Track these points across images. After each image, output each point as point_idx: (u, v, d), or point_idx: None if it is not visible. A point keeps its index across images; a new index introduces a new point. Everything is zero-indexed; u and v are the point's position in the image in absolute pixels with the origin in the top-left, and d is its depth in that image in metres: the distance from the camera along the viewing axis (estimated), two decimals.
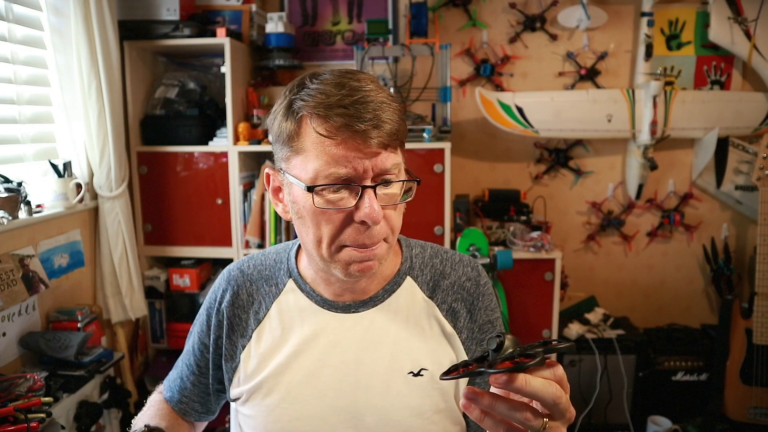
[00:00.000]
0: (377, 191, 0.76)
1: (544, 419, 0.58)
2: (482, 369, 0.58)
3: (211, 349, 0.96)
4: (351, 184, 0.76)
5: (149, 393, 2.32)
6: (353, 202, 0.76)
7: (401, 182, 0.80)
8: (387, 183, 0.78)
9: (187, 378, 1.00)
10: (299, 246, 0.95)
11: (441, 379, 0.61)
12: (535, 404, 0.59)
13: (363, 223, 0.77)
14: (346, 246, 0.79)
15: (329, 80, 0.77)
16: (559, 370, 0.59)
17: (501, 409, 0.57)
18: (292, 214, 0.84)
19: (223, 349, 0.94)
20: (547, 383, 0.57)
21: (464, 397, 0.59)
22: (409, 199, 0.83)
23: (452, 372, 0.61)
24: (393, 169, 0.78)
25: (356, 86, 0.75)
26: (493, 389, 0.60)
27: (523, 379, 0.56)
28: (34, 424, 1.37)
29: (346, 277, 0.82)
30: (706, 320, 2.75)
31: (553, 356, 2.45)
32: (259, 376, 0.90)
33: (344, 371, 0.87)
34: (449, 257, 0.96)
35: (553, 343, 0.59)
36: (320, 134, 0.75)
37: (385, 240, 0.81)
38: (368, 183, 0.76)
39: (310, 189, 0.76)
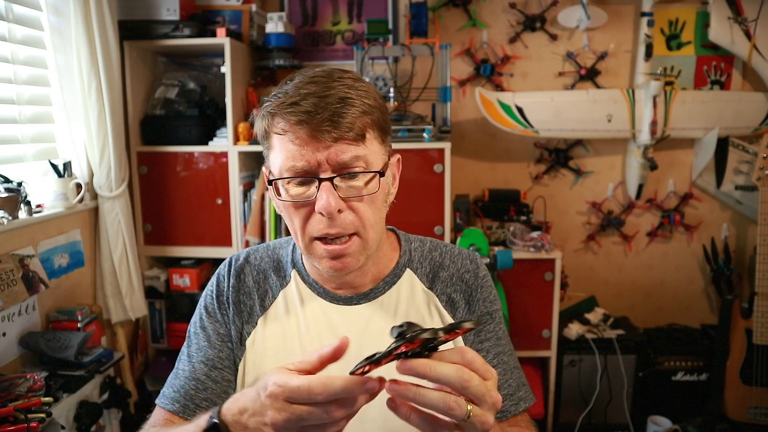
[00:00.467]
0: (337, 182, 0.79)
1: (468, 407, 0.56)
2: (378, 356, 0.56)
3: (231, 335, 0.93)
4: (309, 177, 0.79)
5: (149, 393, 2.29)
6: (313, 195, 0.80)
7: (365, 174, 0.81)
8: (351, 175, 0.80)
9: (206, 376, 0.90)
10: None
11: (350, 374, 0.59)
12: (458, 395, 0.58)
13: (323, 214, 0.79)
14: (315, 239, 0.82)
15: (298, 80, 0.81)
16: (469, 354, 0.58)
17: (422, 399, 0.56)
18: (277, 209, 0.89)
19: (233, 334, 0.94)
20: (453, 367, 0.56)
21: (388, 392, 0.57)
22: (375, 192, 0.83)
23: (359, 368, 0.59)
24: (353, 161, 0.79)
25: (321, 81, 0.79)
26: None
27: (426, 365, 0.55)
28: (34, 424, 1.38)
29: (326, 273, 0.86)
30: (706, 320, 2.75)
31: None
32: (263, 366, 0.90)
33: (347, 363, 0.88)
34: (449, 250, 0.99)
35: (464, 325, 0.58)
36: (278, 133, 0.80)
37: (357, 235, 0.82)
38: (326, 175, 0.79)
39: (270, 183, 0.83)
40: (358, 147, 0.80)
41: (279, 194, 0.83)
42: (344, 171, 0.79)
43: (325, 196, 0.78)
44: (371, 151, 0.82)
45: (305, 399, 0.58)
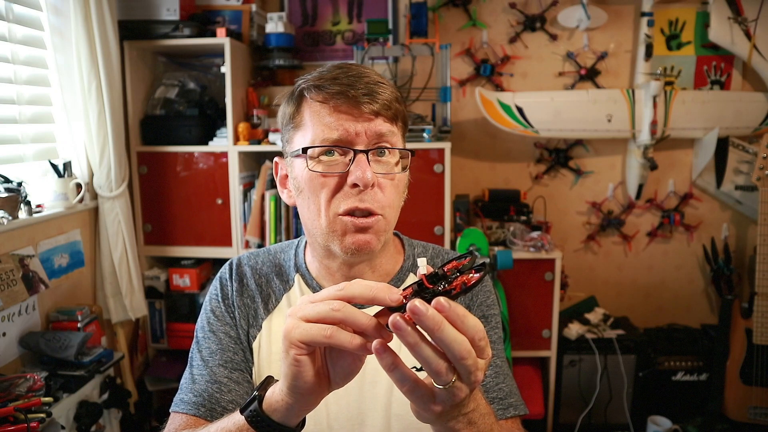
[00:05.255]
0: (370, 157, 0.80)
1: (453, 376, 0.53)
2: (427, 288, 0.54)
3: (241, 338, 0.93)
4: (344, 147, 0.80)
5: (149, 393, 2.27)
6: (346, 167, 0.79)
7: (395, 153, 0.83)
8: (381, 153, 0.82)
9: (228, 378, 0.88)
10: (306, 241, 0.97)
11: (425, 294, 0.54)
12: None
13: (355, 186, 0.79)
14: (340, 215, 0.81)
15: (330, 65, 0.84)
16: (480, 329, 0.53)
17: (420, 350, 0.52)
18: (294, 193, 0.87)
19: (242, 336, 0.93)
20: (460, 337, 0.51)
21: (391, 325, 0.52)
22: (405, 172, 0.85)
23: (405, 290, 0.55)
24: (388, 138, 0.81)
25: (354, 67, 0.83)
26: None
27: (439, 322, 0.51)
28: (34, 424, 1.38)
29: (344, 253, 0.82)
30: (706, 320, 2.75)
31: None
32: (268, 370, 0.90)
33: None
34: (450, 258, 0.98)
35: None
36: (317, 101, 0.81)
37: (382, 215, 0.82)
38: (361, 147, 0.79)
39: (305, 150, 0.80)
40: (392, 127, 0.82)
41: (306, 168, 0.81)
42: (378, 145, 0.81)
43: (360, 168, 0.78)
44: (399, 136, 0.85)
45: (324, 311, 0.56)
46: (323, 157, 0.80)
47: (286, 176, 0.90)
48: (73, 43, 1.94)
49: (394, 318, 0.52)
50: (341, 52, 2.67)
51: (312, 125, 0.81)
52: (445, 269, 0.59)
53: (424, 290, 0.55)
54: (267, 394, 0.64)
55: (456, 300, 0.54)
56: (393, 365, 0.54)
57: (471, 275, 0.55)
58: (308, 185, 0.82)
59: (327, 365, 0.61)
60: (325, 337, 0.55)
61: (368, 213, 0.80)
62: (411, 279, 0.95)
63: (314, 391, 0.60)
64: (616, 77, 2.62)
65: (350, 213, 0.80)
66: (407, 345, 0.52)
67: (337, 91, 0.79)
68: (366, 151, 0.79)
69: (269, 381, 0.67)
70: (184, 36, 2.20)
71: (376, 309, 0.57)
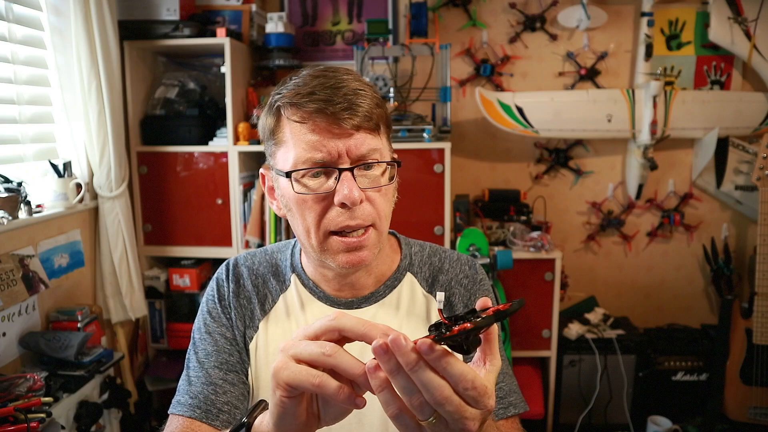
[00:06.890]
0: (356, 173, 0.78)
1: (432, 414, 0.52)
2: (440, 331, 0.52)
3: (237, 339, 0.93)
4: (328, 167, 0.78)
5: (149, 393, 2.28)
6: (333, 186, 0.78)
7: (381, 164, 0.82)
8: (367, 166, 0.80)
9: (223, 380, 0.87)
10: None
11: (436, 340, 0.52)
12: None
13: (343, 205, 0.78)
14: (333, 234, 0.81)
15: (306, 74, 0.80)
16: (470, 374, 0.51)
17: (400, 380, 0.52)
18: (283, 208, 0.86)
19: (238, 338, 0.93)
20: (437, 382, 0.50)
21: (373, 350, 0.51)
22: (392, 184, 0.84)
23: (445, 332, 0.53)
24: (372, 153, 0.79)
25: (331, 75, 0.79)
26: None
27: (412, 361, 0.50)
28: (34, 424, 1.38)
29: (340, 269, 0.83)
30: (706, 320, 2.75)
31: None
32: (265, 372, 0.90)
33: None
34: (447, 256, 0.99)
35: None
36: (295, 121, 0.78)
37: (374, 227, 0.82)
38: (345, 165, 0.78)
39: (288, 175, 0.79)
40: (375, 137, 0.80)
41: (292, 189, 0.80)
42: (362, 161, 0.79)
43: (347, 187, 0.77)
44: (383, 144, 0.83)
45: (316, 353, 0.55)
46: (308, 180, 0.79)
47: (273, 188, 0.88)
48: (73, 43, 1.94)
49: (377, 342, 0.51)
50: (341, 52, 2.67)
51: (293, 144, 0.79)
52: (484, 314, 0.55)
53: (440, 325, 0.54)
54: (255, 423, 0.63)
55: (459, 341, 0.51)
56: (382, 386, 0.53)
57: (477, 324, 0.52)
58: (296, 206, 0.81)
59: (317, 403, 0.60)
60: (312, 385, 0.54)
61: (359, 228, 0.80)
62: (408, 278, 0.94)
63: (301, 429, 0.59)
64: (616, 77, 2.62)
65: (341, 232, 0.80)
66: (386, 371, 0.52)
67: (315, 109, 0.76)
68: (351, 169, 0.78)
69: (260, 406, 0.67)
70: (184, 36, 2.20)
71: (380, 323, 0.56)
